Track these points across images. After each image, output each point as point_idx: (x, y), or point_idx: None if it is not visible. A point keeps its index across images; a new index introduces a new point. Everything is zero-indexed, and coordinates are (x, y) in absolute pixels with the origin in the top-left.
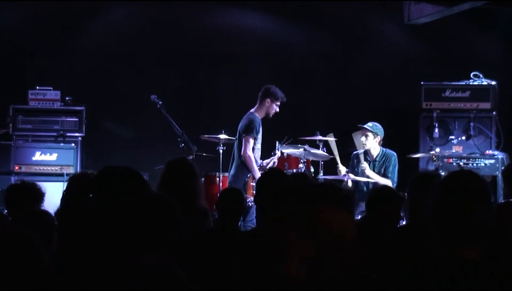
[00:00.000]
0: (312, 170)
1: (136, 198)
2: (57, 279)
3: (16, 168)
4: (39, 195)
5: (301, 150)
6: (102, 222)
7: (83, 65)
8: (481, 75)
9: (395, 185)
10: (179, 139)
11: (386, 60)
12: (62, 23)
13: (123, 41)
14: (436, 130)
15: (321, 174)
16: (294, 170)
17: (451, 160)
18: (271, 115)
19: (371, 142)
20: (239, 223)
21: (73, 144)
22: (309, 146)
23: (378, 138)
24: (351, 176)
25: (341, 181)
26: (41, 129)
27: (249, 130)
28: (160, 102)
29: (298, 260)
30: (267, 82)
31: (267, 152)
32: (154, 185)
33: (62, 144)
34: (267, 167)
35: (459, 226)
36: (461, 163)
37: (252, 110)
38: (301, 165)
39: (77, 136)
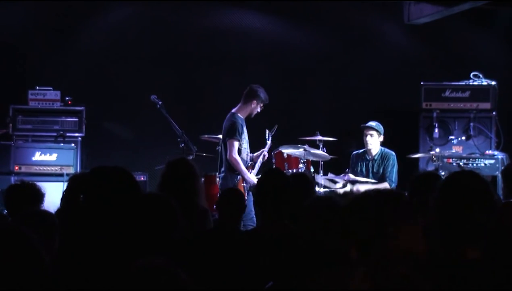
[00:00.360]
0: (312, 170)
1: (130, 197)
2: (58, 279)
3: (16, 168)
4: (39, 196)
5: (301, 150)
6: (102, 222)
7: (83, 65)
8: (481, 75)
9: (394, 185)
10: (179, 139)
11: (386, 60)
12: (62, 23)
13: (123, 41)
14: (436, 130)
15: (321, 174)
16: (294, 170)
17: (451, 160)
18: (253, 116)
19: (375, 141)
20: (241, 223)
21: (73, 144)
22: (309, 146)
23: (381, 138)
24: (351, 176)
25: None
26: (41, 130)
27: (232, 133)
28: (160, 102)
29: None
30: (267, 82)
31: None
32: (154, 185)
33: (62, 144)
34: (257, 159)
35: (462, 226)
36: (461, 163)
37: (233, 110)
38: (301, 165)
39: (77, 137)
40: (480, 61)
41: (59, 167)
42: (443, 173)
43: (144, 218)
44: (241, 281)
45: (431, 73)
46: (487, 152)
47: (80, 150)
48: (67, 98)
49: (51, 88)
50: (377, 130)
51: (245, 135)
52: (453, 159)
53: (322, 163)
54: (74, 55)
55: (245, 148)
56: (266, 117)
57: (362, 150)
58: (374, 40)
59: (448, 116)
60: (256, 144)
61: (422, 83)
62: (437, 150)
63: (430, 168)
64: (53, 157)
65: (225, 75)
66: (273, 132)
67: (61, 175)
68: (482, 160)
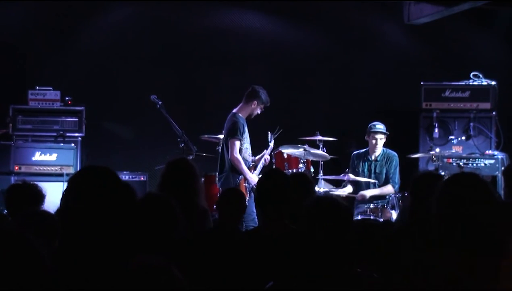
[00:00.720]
0: (312, 170)
1: (117, 198)
2: (58, 279)
3: (16, 168)
4: (40, 196)
5: (301, 150)
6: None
7: (83, 65)
8: (481, 75)
9: (397, 186)
10: (179, 139)
11: (386, 60)
12: (62, 23)
13: (123, 41)
14: (436, 130)
15: (321, 174)
16: (294, 170)
17: (451, 160)
18: (253, 117)
19: (382, 144)
20: (242, 223)
21: (73, 144)
22: (309, 146)
23: (385, 139)
24: (351, 176)
25: (342, 181)
26: (41, 130)
27: (233, 133)
28: (160, 102)
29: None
30: (267, 82)
31: (261, 148)
32: (154, 185)
33: (62, 144)
34: (259, 162)
35: (463, 227)
36: (461, 163)
37: (234, 110)
38: (301, 165)
39: (77, 137)
40: (480, 61)
41: (59, 167)
42: (443, 173)
43: (144, 217)
44: (241, 281)
45: (431, 73)
46: (487, 152)
47: (80, 150)
48: (67, 98)
49: (51, 88)
50: (385, 134)
51: (246, 135)
52: (453, 159)
53: (322, 163)
54: (74, 55)
55: (246, 148)
56: (267, 117)
57: (364, 150)
58: (374, 40)
59: (448, 116)
60: (256, 144)
61: (422, 83)
62: (437, 150)
63: (430, 168)
64: (53, 157)
65: (225, 75)
66: (275, 135)
67: (61, 175)
68: (482, 160)
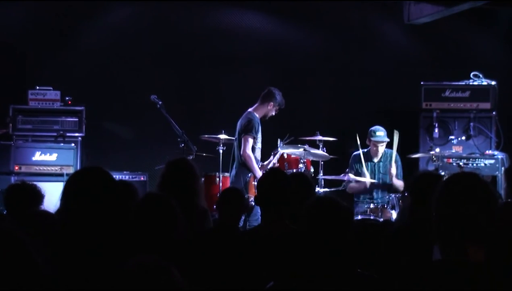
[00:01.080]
0: (312, 170)
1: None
2: (57, 279)
3: (16, 168)
4: (39, 197)
5: (301, 150)
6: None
7: (83, 65)
8: (481, 75)
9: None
10: (179, 139)
11: (386, 60)
12: (62, 23)
13: (123, 41)
14: (436, 130)
15: (321, 174)
16: (294, 170)
17: (451, 160)
18: (267, 118)
19: (383, 149)
20: (246, 222)
21: (73, 144)
22: (309, 146)
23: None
24: (351, 176)
25: (341, 181)
26: (41, 130)
27: (248, 129)
28: (160, 102)
29: None
30: (267, 82)
31: (267, 151)
32: (154, 185)
33: (62, 144)
34: (268, 167)
35: (464, 227)
36: (461, 163)
37: (250, 109)
38: (301, 165)
39: (77, 137)
40: (480, 61)
41: (59, 167)
42: (443, 173)
43: (144, 217)
44: (241, 281)
45: (431, 73)
46: (487, 152)
47: (80, 150)
48: (67, 98)
49: (51, 88)
50: (387, 141)
51: (260, 136)
52: (453, 159)
53: (322, 163)
54: (74, 55)
55: (258, 148)
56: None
57: (365, 150)
58: (374, 40)
59: (448, 116)
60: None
61: (422, 83)
62: (437, 149)
63: (430, 168)
64: (53, 157)
65: (225, 75)
66: (286, 141)
67: (61, 175)
68: (482, 160)
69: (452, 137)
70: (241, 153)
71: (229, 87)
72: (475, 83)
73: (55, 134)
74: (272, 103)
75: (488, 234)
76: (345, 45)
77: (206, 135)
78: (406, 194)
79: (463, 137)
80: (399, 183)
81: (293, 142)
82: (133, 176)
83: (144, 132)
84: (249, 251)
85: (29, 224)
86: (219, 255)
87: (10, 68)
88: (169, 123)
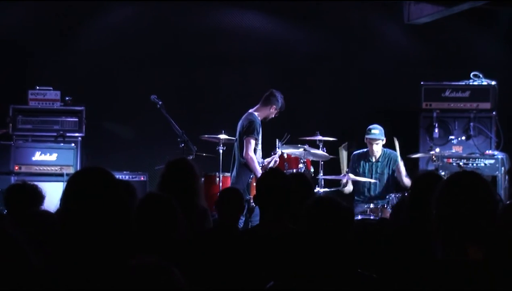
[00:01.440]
0: (312, 170)
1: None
2: (57, 279)
3: (16, 168)
4: (39, 197)
5: (301, 150)
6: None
7: (83, 65)
8: (481, 75)
9: None
10: (179, 139)
11: (386, 60)
12: (62, 23)
13: (123, 41)
14: (436, 130)
15: (321, 174)
16: (294, 170)
17: (451, 160)
18: (267, 120)
19: (380, 147)
20: (248, 222)
21: (73, 144)
22: (309, 146)
23: (384, 140)
24: (351, 176)
25: (341, 181)
26: (41, 130)
27: (250, 131)
28: (160, 102)
29: None
30: (267, 82)
31: (267, 151)
32: (154, 185)
33: (62, 144)
34: (268, 166)
35: (464, 227)
36: (461, 163)
37: (251, 110)
38: (301, 165)
39: (77, 137)
40: (480, 61)
41: (59, 167)
42: (443, 173)
43: (144, 217)
44: (241, 281)
45: (431, 73)
46: (487, 152)
47: (80, 150)
48: (67, 98)
49: (51, 88)
50: (382, 139)
51: (260, 137)
52: (453, 159)
53: (322, 162)
54: (74, 55)
55: (259, 149)
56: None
57: (365, 150)
58: (374, 40)
59: (448, 116)
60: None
61: (422, 83)
62: (437, 149)
63: (430, 168)
64: (53, 157)
65: (225, 75)
66: (284, 141)
67: (61, 175)
68: (482, 160)
69: (452, 137)
70: (244, 155)
71: (229, 87)
72: (475, 83)
73: (55, 134)
74: (274, 106)
75: (488, 234)
76: (345, 45)
77: (206, 135)
78: (406, 194)
79: (463, 137)
80: (406, 180)
81: (293, 142)
82: (133, 176)
83: (144, 132)
84: (249, 251)
85: (30, 224)
86: (219, 255)
87: (10, 68)
88: (169, 123)
